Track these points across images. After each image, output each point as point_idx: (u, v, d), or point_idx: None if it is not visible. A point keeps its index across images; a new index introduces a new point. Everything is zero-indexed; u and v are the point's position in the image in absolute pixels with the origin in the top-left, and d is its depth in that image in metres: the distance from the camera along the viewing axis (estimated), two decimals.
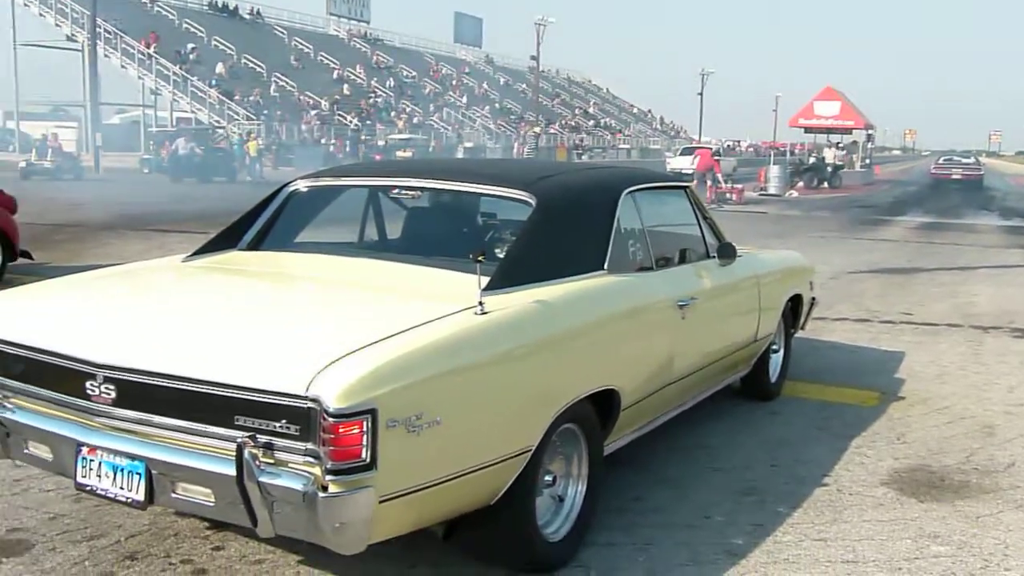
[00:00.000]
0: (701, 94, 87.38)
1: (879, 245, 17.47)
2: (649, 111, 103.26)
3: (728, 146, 52.91)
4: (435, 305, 3.50)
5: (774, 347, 6.34)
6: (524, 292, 3.74)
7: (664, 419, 4.86)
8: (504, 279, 3.74)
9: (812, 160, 40.30)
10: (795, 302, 6.54)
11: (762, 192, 32.23)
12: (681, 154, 47.78)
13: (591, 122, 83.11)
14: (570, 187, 4.58)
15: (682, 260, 4.94)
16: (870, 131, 47.20)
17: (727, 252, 5.24)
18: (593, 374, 3.92)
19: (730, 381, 5.87)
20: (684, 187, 5.43)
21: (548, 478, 3.79)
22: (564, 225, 4.23)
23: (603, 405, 4.02)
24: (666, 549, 4.03)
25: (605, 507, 4.24)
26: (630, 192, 4.67)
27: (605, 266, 4.26)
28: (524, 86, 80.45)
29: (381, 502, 2.92)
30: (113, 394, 3.21)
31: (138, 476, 3.21)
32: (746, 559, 3.96)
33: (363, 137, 47.36)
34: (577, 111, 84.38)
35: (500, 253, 4.30)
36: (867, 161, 47.50)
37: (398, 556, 3.76)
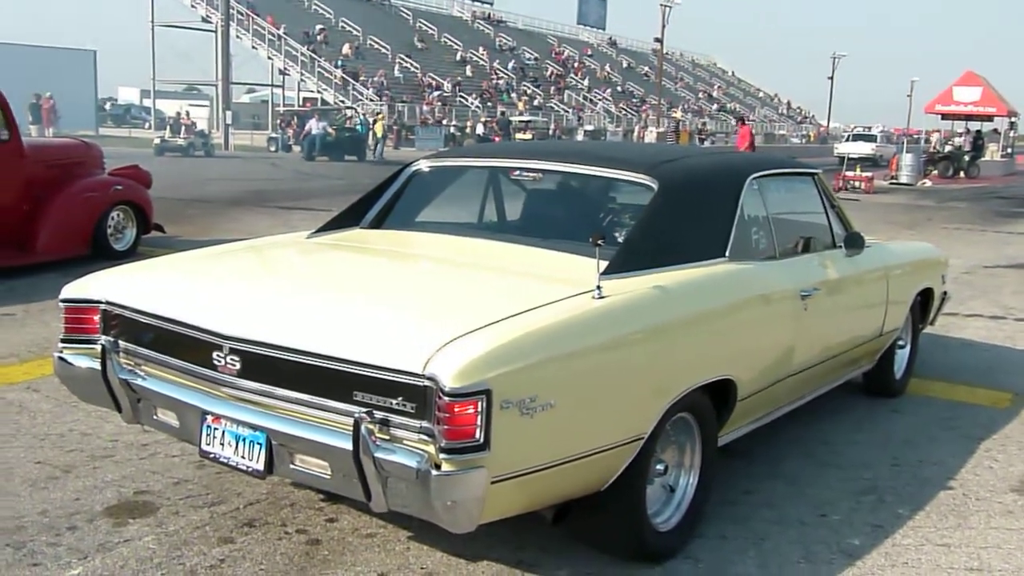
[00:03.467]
0: (831, 78, 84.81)
1: (1018, 239, 16.65)
2: (776, 95, 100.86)
3: (857, 132, 51.15)
4: (553, 288, 3.50)
5: (900, 342, 6.12)
6: (643, 277, 3.70)
7: (782, 412, 4.75)
8: (623, 263, 3.71)
9: (948, 148, 38.71)
10: (925, 296, 6.30)
11: (893, 181, 31.15)
12: (852, 139, 46.88)
13: (714, 106, 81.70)
14: (693, 172, 4.50)
15: (807, 249, 4.81)
16: (1013, 119, 45.00)
17: (855, 242, 5.08)
18: (710, 363, 3.85)
19: (852, 376, 5.70)
20: (812, 174, 5.27)
21: (660, 467, 3.74)
22: (686, 210, 4.16)
23: (719, 395, 3.94)
24: (779, 545, 3.94)
25: (717, 499, 4.17)
26: (755, 178, 4.57)
27: (726, 253, 4.18)
28: (647, 69, 79.59)
29: (493, 483, 2.93)
30: (238, 365, 3.30)
31: (259, 446, 3.30)
32: (863, 560, 3.84)
33: (483, 119, 47.62)
34: (701, 94, 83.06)
35: (620, 237, 4.26)
36: (1009, 150, 45.33)
37: (507, 538, 3.78)
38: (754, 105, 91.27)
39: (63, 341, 3.87)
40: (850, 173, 27.28)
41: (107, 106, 59.91)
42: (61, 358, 3.85)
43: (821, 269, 4.83)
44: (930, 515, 4.32)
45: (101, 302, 3.79)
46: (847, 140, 48.27)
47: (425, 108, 49.16)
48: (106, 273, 4.02)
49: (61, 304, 3.90)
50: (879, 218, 18.36)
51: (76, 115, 39.96)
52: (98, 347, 3.69)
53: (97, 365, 3.68)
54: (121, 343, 3.72)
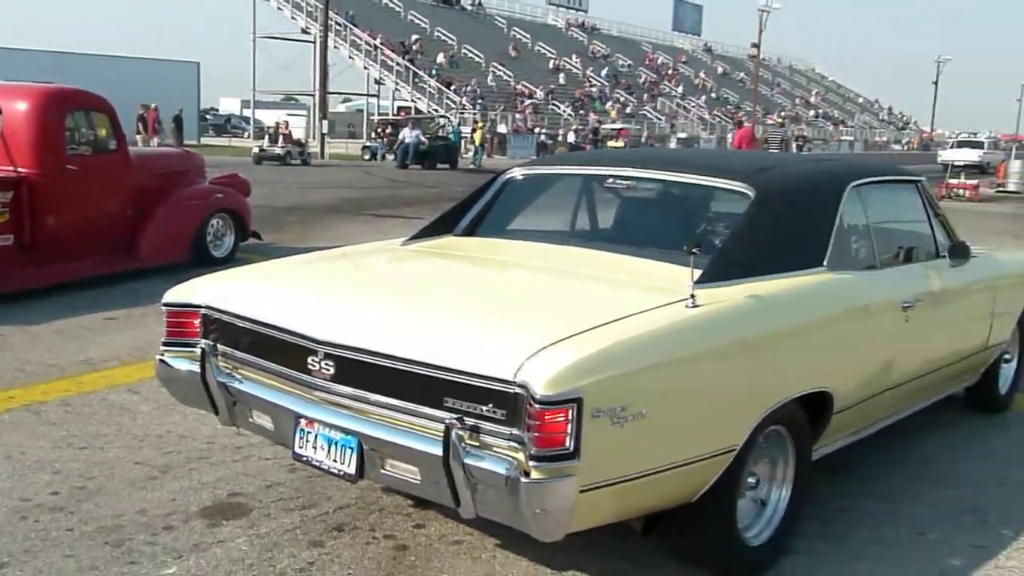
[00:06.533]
0: (936, 83, 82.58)
1: None
2: (876, 101, 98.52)
3: (963, 139, 49.50)
4: (646, 296, 3.47)
5: (1007, 356, 5.90)
6: (738, 287, 3.64)
7: (880, 426, 4.62)
8: (718, 272, 3.66)
9: None
10: None
11: (1000, 189, 30.10)
12: (957, 146, 45.57)
13: (812, 112, 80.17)
14: (790, 179, 4.42)
15: (908, 259, 4.67)
16: None
17: (959, 252, 4.92)
18: (805, 375, 3.76)
19: (954, 391, 5.51)
20: (915, 181, 5.12)
21: (751, 480, 3.67)
22: (783, 219, 4.09)
23: (814, 408, 3.85)
24: (874, 565, 3.83)
25: (810, 515, 4.07)
26: (855, 186, 4.46)
27: (825, 263, 4.08)
28: (743, 75, 78.56)
29: (582, 491, 2.91)
30: (332, 370, 3.35)
31: (351, 450, 3.34)
32: None
33: (575, 126, 47.55)
34: (798, 100, 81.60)
35: (715, 246, 4.20)
36: None
37: (596, 547, 3.75)
38: (853, 111, 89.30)
39: (164, 344, 3.98)
40: (954, 181, 26.47)
41: (209, 116, 61.59)
42: (162, 361, 3.96)
43: (923, 280, 4.68)
44: None
45: (201, 306, 3.89)
46: (952, 147, 46.84)
47: (518, 116, 49.34)
48: (206, 279, 4.13)
49: (163, 308, 4.01)
50: (985, 227, 17.73)
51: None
52: (198, 350, 3.79)
53: (196, 368, 3.78)
54: (219, 347, 3.81)
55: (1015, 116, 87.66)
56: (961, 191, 25.95)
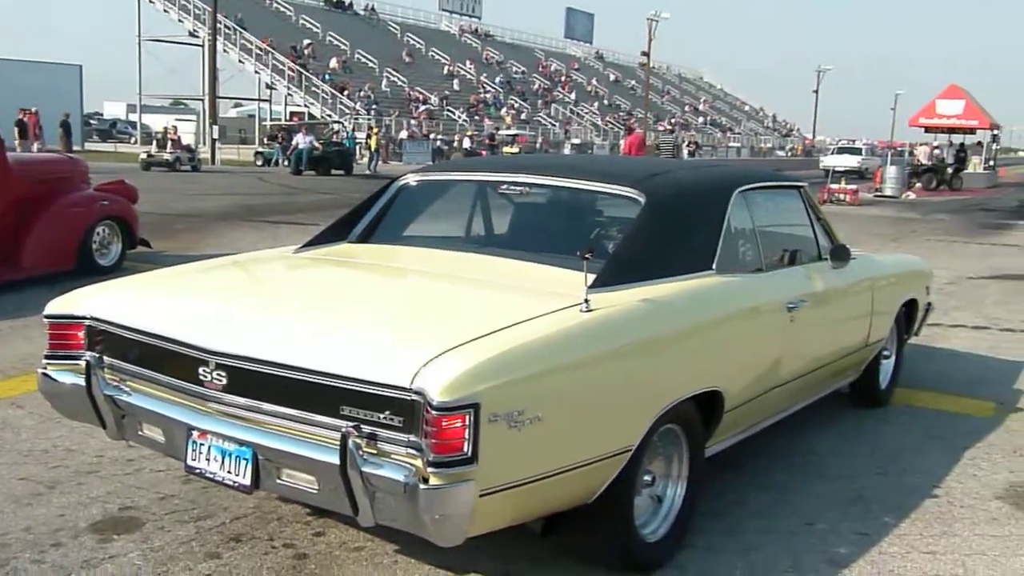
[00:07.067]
0: (816, 91, 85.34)
1: (1002, 250, 16.76)
2: (761, 108, 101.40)
3: (843, 145, 51.50)
4: (541, 301, 3.51)
5: (885, 353, 6.15)
6: (631, 290, 3.72)
7: (769, 423, 4.77)
8: (611, 277, 3.72)
9: (930, 160, 38.96)
10: (910, 307, 6.33)
11: (878, 193, 31.32)
12: (837, 152, 47.08)
13: (701, 119, 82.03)
14: (680, 185, 4.53)
15: (793, 261, 4.83)
16: (996, 131, 45.30)
17: (840, 254, 5.11)
18: (697, 375, 3.86)
19: (838, 387, 5.72)
20: (798, 187, 5.31)
21: (648, 478, 3.75)
22: (673, 223, 4.18)
23: (706, 406, 3.96)
24: (767, 555, 3.95)
25: (705, 510, 4.18)
26: (742, 191, 4.59)
27: (714, 266, 4.20)
28: (634, 83, 79.89)
29: (481, 496, 2.93)
30: (224, 380, 3.30)
31: (245, 461, 3.29)
32: (849, 569, 3.86)
33: (470, 132, 47.65)
34: (687, 108, 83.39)
35: (608, 251, 4.27)
36: (991, 163, 45.64)
37: (495, 550, 3.77)
38: (740, 118, 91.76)
39: (47, 357, 3.86)
40: (835, 186, 27.42)
41: (93, 121, 59.63)
42: (45, 374, 3.84)
43: (807, 281, 4.85)
44: (916, 523, 4.34)
45: (86, 318, 3.78)
46: (832, 153, 48.58)
47: (412, 122, 49.20)
48: (91, 289, 4.01)
49: (45, 320, 3.88)
50: (864, 230, 18.45)
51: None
52: (83, 363, 3.67)
53: (81, 381, 3.67)
54: (106, 359, 3.71)
55: (890, 124, 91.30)
56: (841, 195, 26.89)
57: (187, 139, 38.24)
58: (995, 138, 46.34)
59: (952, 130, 41.17)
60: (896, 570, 3.86)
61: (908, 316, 6.38)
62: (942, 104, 40.11)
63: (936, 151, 39.54)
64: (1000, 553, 4.05)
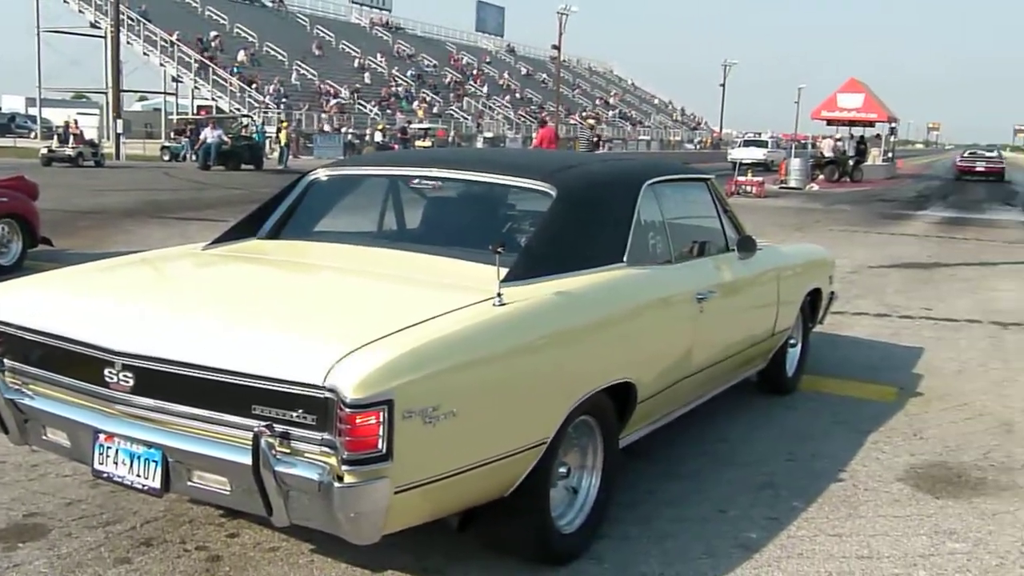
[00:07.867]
0: (723, 85, 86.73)
1: (900, 239, 17.35)
2: (670, 102, 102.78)
3: (749, 138, 52.60)
4: (453, 296, 3.50)
5: (792, 341, 6.31)
6: (543, 284, 3.74)
7: (681, 413, 4.85)
8: (523, 270, 3.74)
9: (832, 153, 40.06)
10: (814, 296, 6.51)
11: (783, 185, 32.07)
12: (744, 145, 47.90)
13: (611, 112, 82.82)
14: (590, 178, 4.57)
15: (702, 253, 4.93)
16: (893, 124, 46.83)
17: (747, 245, 5.22)
18: (610, 367, 3.91)
19: (748, 375, 5.85)
20: (705, 179, 5.40)
21: (563, 470, 3.78)
22: (584, 217, 4.22)
23: (620, 397, 4.01)
24: (681, 542, 4.02)
25: (620, 500, 4.24)
26: (651, 184, 4.65)
27: (624, 258, 4.25)
28: (545, 76, 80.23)
29: (396, 492, 2.92)
30: (131, 382, 3.22)
31: (154, 464, 3.23)
32: (760, 553, 3.95)
33: (381, 126, 47.28)
34: (598, 101, 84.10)
35: (520, 244, 4.29)
36: (889, 155, 47.16)
37: (412, 546, 3.76)
38: (649, 112, 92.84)
39: None
40: (742, 178, 28.01)
41: None
42: None
43: (716, 272, 4.95)
44: (823, 507, 4.46)
45: None
46: (739, 146, 49.52)
47: (323, 116, 48.62)
48: None
49: None
50: (770, 221, 18.87)
51: None
52: None
53: None
54: (6, 362, 3.59)
55: (794, 117, 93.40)
56: (748, 188, 27.49)
57: (90, 133, 37.20)
58: (893, 131, 47.90)
59: (852, 123, 42.40)
60: (804, 553, 3.97)
61: (813, 305, 6.55)
62: (843, 98, 41.29)
63: (839, 144, 40.67)
64: (902, 533, 4.19)
